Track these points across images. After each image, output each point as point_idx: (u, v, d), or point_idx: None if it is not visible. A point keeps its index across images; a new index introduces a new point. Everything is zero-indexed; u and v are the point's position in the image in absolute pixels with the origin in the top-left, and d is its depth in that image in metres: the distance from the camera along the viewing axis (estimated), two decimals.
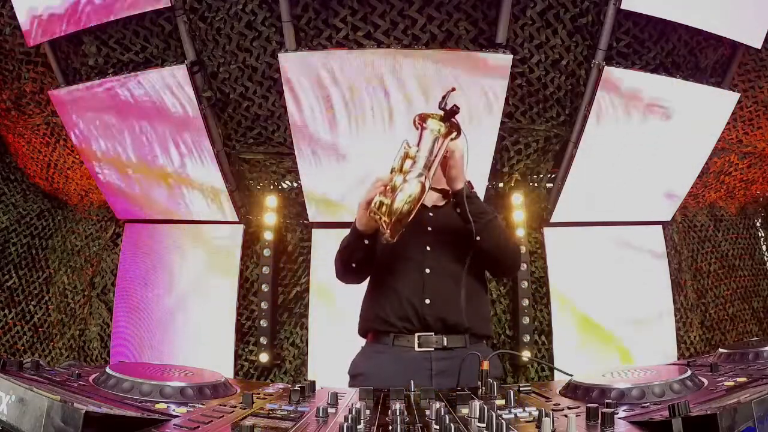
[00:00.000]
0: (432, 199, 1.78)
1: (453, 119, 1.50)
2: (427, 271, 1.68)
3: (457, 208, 1.64)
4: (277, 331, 3.68)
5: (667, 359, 3.57)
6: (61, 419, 0.79)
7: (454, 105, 1.48)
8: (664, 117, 3.31)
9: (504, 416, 0.92)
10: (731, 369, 1.22)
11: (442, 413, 0.86)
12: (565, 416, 0.92)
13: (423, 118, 1.52)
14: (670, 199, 3.65)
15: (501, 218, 1.77)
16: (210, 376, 1.24)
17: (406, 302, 1.65)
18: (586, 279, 3.64)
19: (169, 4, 3.05)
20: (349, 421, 0.80)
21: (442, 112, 1.49)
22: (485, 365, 1.29)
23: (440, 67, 3.06)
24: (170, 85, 3.23)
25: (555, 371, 3.47)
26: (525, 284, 3.56)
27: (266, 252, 3.63)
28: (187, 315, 3.67)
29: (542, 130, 3.45)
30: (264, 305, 3.60)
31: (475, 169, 3.32)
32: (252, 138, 3.52)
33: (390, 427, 0.84)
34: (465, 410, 1.00)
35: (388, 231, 1.48)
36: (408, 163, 1.48)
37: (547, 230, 3.70)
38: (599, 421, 0.85)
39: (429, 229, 1.73)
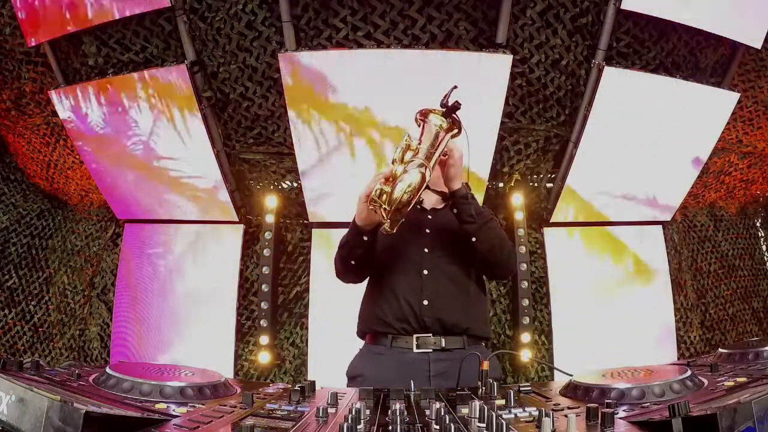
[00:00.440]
0: (431, 201, 1.78)
1: (454, 115, 1.50)
2: (425, 272, 1.69)
3: (454, 209, 1.64)
4: (277, 331, 3.68)
5: (667, 359, 3.58)
6: (61, 419, 0.79)
7: (456, 101, 1.48)
8: (664, 117, 3.31)
9: (504, 416, 0.92)
10: (731, 369, 1.22)
11: (442, 413, 0.86)
12: (565, 416, 0.92)
13: (424, 113, 1.52)
14: (670, 199, 3.65)
15: (498, 220, 1.77)
16: (210, 376, 1.24)
17: (404, 303, 1.65)
18: (586, 279, 3.64)
19: (169, 4, 3.05)
20: (349, 421, 0.80)
21: (443, 108, 1.49)
22: (485, 365, 1.29)
23: (440, 67, 3.06)
24: (170, 85, 3.22)
25: (555, 371, 3.47)
26: (525, 284, 3.55)
27: (266, 252, 3.62)
28: (187, 315, 3.67)
29: (542, 130, 3.45)
30: (264, 305, 3.60)
31: (475, 169, 3.32)
32: (252, 138, 3.52)
33: (390, 427, 0.84)
34: (465, 410, 1.00)
35: (388, 221, 1.47)
36: (409, 154, 1.48)
37: (547, 230, 3.70)
38: (599, 421, 0.85)
39: (427, 231, 1.74)
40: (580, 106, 3.30)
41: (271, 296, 3.60)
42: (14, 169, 3.99)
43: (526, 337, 3.53)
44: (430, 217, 1.77)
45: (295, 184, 3.70)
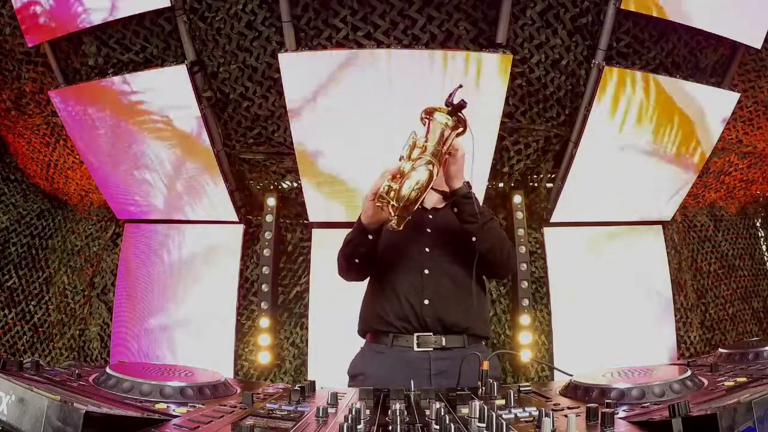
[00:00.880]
0: (432, 201, 1.79)
1: (460, 114, 1.50)
2: (426, 271, 1.69)
3: (454, 208, 1.64)
4: (277, 331, 3.68)
5: (667, 359, 3.58)
6: (61, 419, 0.79)
7: (462, 100, 1.48)
8: (663, 117, 3.31)
9: (504, 416, 0.92)
10: (731, 369, 1.22)
11: (442, 413, 0.86)
12: (565, 416, 0.92)
13: (430, 112, 1.52)
14: (670, 199, 3.65)
15: (498, 220, 1.78)
16: (210, 376, 1.24)
17: (405, 303, 1.66)
18: (586, 279, 3.64)
19: (169, 4, 3.05)
20: (349, 421, 0.80)
21: (449, 107, 1.49)
22: (485, 365, 1.29)
23: (440, 67, 3.06)
24: (170, 85, 3.23)
25: (555, 371, 3.47)
26: (525, 284, 3.55)
27: (266, 252, 3.63)
28: (187, 315, 3.67)
29: (542, 130, 3.45)
30: (264, 305, 3.60)
31: (475, 169, 3.31)
32: (252, 138, 3.52)
33: (390, 427, 0.84)
34: (465, 410, 1.00)
35: (395, 218, 1.47)
36: (416, 151, 1.48)
37: (547, 230, 3.70)
38: (599, 421, 0.85)
39: (428, 230, 1.74)
40: (580, 106, 3.30)
41: (271, 296, 3.60)
42: (14, 169, 3.99)
43: (526, 337, 3.53)
44: (431, 216, 1.77)
45: (295, 184, 3.70)
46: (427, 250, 1.71)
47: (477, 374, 1.32)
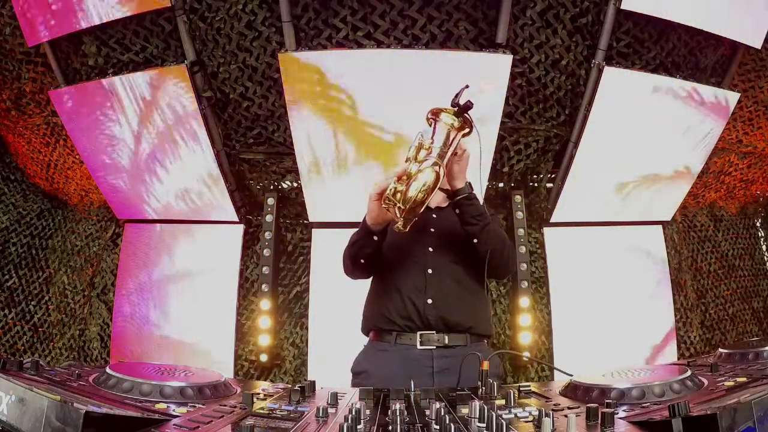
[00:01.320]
0: (436, 200, 1.79)
1: (466, 114, 1.49)
2: (430, 271, 1.70)
3: (456, 209, 1.64)
4: (277, 331, 3.68)
5: (667, 359, 3.58)
6: (61, 419, 0.79)
7: (468, 101, 1.47)
8: (663, 117, 3.31)
9: (504, 416, 0.92)
10: (731, 369, 1.22)
11: (442, 413, 0.86)
12: (565, 416, 0.92)
13: (436, 112, 1.51)
14: (670, 199, 3.65)
15: (498, 220, 1.78)
16: (210, 376, 1.24)
17: (408, 302, 1.67)
18: (586, 279, 3.64)
19: (169, 4, 3.05)
20: (349, 421, 0.80)
21: (455, 107, 1.48)
22: (485, 365, 1.29)
23: (440, 67, 3.05)
24: (170, 85, 3.23)
25: (555, 371, 3.47)
26: (525, 284, 3.55)
27: (266, 252, 3.62)
28: (187, 315, 3.67)
29: (542, 130, 3.45)
30: (264, 305, 3.60)
31: (476, 169, 3.32)
32: (252, 138, 3.52)
33: (390, 427, 0.84)
34: (465, 410, 1.00)
35: (401, 220, 1.46)
36: (423, 153, 1.47)
37: (547, 230, 3.70)
38: (599, 421, 0.85)
39: (432, 230, 1.75)
40: (580, 106, 3.30)
41: (271, 296, 3.60)
42: (14, 169, 3.99)
43: (526, 336, 3.53)
44: (434, 216, 1.78)
45: (295, 184, 3.70)
46: (431, 249, 1.72)
47: (478, 373, 1.33)
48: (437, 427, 0.85)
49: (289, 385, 1.35)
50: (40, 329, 3.86)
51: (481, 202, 1.75)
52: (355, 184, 3.35)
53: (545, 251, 3.68)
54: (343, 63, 3.09)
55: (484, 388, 1.22)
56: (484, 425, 0.84)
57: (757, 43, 3.17)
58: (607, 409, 0.86)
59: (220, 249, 3.71)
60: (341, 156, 3.34)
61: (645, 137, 3.37)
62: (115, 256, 3.88)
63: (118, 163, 3.58)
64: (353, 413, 0.85)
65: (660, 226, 3.75)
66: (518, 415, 0.95)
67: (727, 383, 1.04)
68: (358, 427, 0.84)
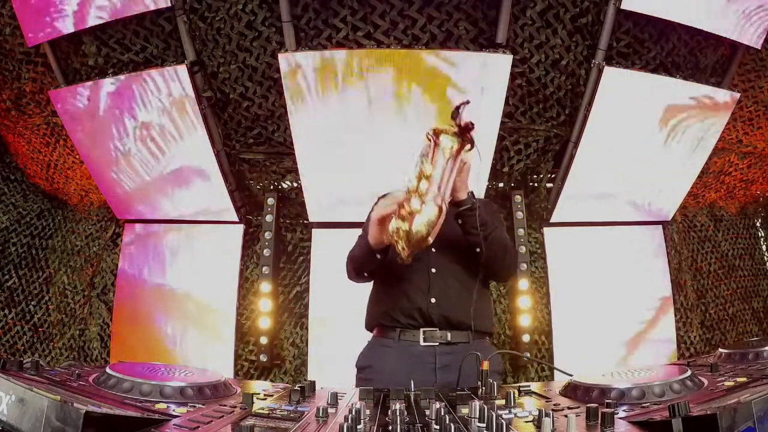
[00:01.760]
0: None
1: (467, 135, 1.47)
2: (433, 270, 1.73)
3: (458, 219, 1.66)
4: (277, 331, 3.68)
5: (667, 359, 3.58)
6: (61, 419, 0.79)
7: (470, 122, 1.45)
8: (663, 116, 3.31)
9: (504, 416, 0.92)
10: (731, 369, 1.22)
11: (442, 413, 0.86)
12: (565, 416, 0.92)
13: (437, 134, 1.49)
14: (670, 199, 3.65)
15: (503, 227, 1.79)
16: (210, 376, 1.24)
17: (412, 301, 1.70)
18: (586, 279, 3.64)
19: (169, 4, 3.05)
20: (349, 421, 0.80)
21: (455, 126, 1.46)
22: (485, 365, 1.29)
23: (440, 67, 3.05)
24: (170, 85, 3.23)
25: (555, 371, 3.47)
26: (525, 284, 3.56)
27: (266, 252, 3.63)
28: (187, 315, 3.67)
29: (542, 130, 3.45)
30: (264, 305, 3.60)
31: (476, 169, 3.32)
32: (252, 138, 3.52)
33: (390, 427, 0.84)
34: (465, 410, 1.00)
35: (405, 252, 1.45)
36: (423, 184, 1.44)
37: (547, 230, 3.70)
38: (599, 421, 0.85)
39: None
40: (580, 106, 3.30)
41: (271, 296, 3.60)
42: (14, 169, 3.99)
43: (526, 337, 3.53)
44: None
45: (295, 184, 3.70)
46: (434, 249, 1.73)
47: (477, 371, 1.33)
48: (437, 427, 0.85)
49: (289, 385, 1.35)
50: (40, 329, 3.86)
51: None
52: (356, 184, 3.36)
53: (545, 251, 3.68)
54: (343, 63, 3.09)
55: (484, 388, 1.23)
56: (484, 425, 0.84)
57: (757, 43, 3.17)
58: (607, 409, 0.86)
59: (220, 249, 3.71)
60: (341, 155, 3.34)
61: (644, 138, 3.38)
62: (115, 256, 3.88)
63: (118, 162, 3.57)
64: (353, 413, 0.85)
65: (660, 226, 3.75)
66: (518, 415, 0.95)
67: (727, 383, 1.04)
68: (358, 427, 0.83)
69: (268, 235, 3.64)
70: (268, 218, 3.64)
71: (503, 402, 1.07)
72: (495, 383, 1.21)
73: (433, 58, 3.05)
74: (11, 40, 3.35)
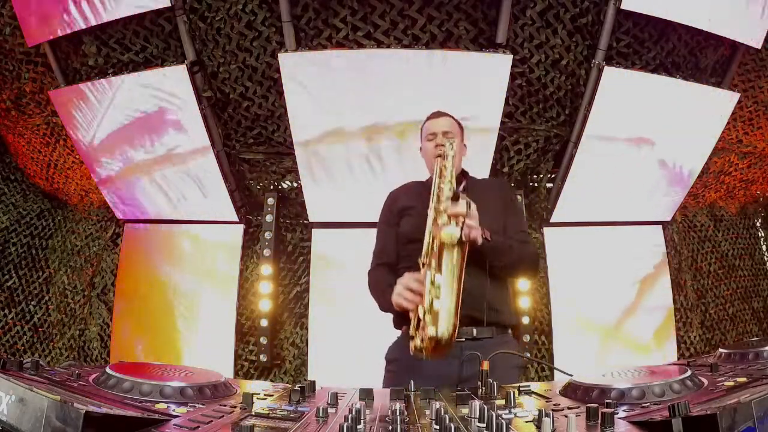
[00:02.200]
0: None
1: (464, 230, 1.47)
2: None
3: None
4: (277, 331, 3.68)
5: (667, 359, 3.58)
6: (61, 419, 0.79)
7: (464, 221, 1.48)
8: (663, 117, 3.31)
9: (504, 416, 0.92)
10: (731, 369, 1.22)
11: (442, 413, 0.86)
12: (565, 416, 0.92)
13: (440, 246, 1.48)
14: (670, 199, 3.65)
15: (531, 240, 1.86)
16: (210, 376, 1.24)
17: None
18: (586, 279, 3.64)
19: (169, 4, 3.05)
20: (349, 421, 0.80)
21: (455, 231, 1.46)
22: (485, 365, 1.29)
23: (440, 67, 3.05)
24: (170, 85, 3.23)
25: (555, 371, 3.47)
26: (525, 284, 3.55)
27: (266, 252, 3.63)
28: (187, 315, 3.67)
29: (542, 130, 3.45)
30: (264, 305, 3.60)
31: (476, 168, 3.32)
32: (252, 138, 3.52)
33: (390, 427, 0.84)
34: (465, 410, 1.00)
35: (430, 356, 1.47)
36: (433, 292, 1.46)
37: (547, 230, 3.70)
38: (599, 421, 0.85)
39: None
40: (580, 106, 3.30)
41: (271, 296, 3.60)
42: (14, 169, 3.99)
43: (526, 337, 3.53)
44: None
45: (295, 184, 3.70)
46: None
47: (506, 366, 1.43)
48: (437, 427, 0.85)
49: (289, 385, 1.35)
50: (40, 329, 3.86)
51: None
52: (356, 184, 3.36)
53: (545, 251, 3.68)
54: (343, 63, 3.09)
55: (483, 388, 1.22)
56: (484, 425, 0.84)
57: (757, 43, 3.17)
58: (607, 409, 0.86)
59: (220, 249, 3.71)
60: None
61: (644, 138, 3.37)
62: (115, 256, 3.89)
63: (118, 162, 3.57)
64: (353, 413, 0.85)
65: (660, 226, 3.75)
66: (518, 415, 0.95)
67: (727, 383, 1.04)
68: (358, 427, 0.83)
69: (268, 235, 3.64)
70: (268, 218, 3.64)
71: (503, 402, 1.07)
72: (495, 383, 1.21)
73: (434, 58, 3.05)
74: (11, 40, 3.35)
